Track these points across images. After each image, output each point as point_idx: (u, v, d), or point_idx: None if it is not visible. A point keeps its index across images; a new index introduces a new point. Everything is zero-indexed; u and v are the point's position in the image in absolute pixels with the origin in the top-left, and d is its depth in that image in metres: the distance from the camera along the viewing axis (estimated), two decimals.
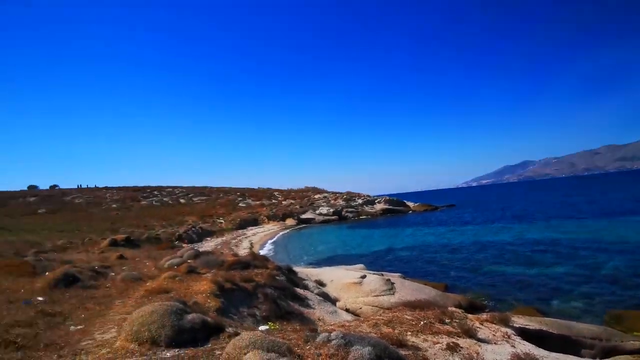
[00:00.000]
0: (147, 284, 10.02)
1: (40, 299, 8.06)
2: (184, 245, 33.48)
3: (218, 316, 6.76)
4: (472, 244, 30.95)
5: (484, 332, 6.30)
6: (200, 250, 24.29)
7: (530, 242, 28.65)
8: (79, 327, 5.90)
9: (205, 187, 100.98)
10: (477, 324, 6.88)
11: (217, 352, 4.41)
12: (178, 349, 4.65)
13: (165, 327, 4.79)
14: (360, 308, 14.11)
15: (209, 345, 4.92)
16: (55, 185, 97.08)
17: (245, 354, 3.74)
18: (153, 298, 8.23)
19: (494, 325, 7.12)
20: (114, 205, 75.41)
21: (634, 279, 16.91)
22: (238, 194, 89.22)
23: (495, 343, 5.84)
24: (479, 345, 5.48)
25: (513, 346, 5.81)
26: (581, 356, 9.19)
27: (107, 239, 27.64)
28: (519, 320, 8.68)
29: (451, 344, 5.17)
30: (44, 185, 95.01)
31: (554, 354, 5.79)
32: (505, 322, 7.35)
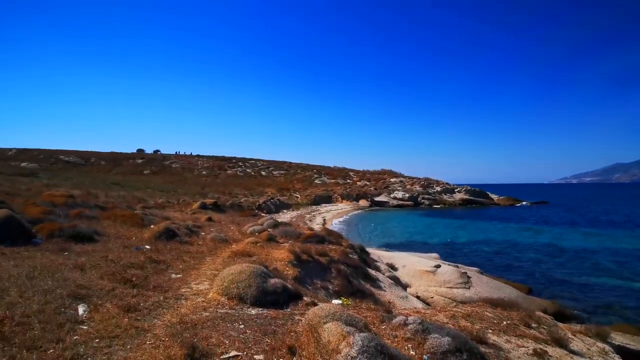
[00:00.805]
0: (233, 246, 10.96)
1: (147, 247, 9.32)
2: (262, 214, 35.71)
3: (296, 284, 7.14)
4: (562, 247, 27.85)
5: (576, 344, 5.70)
6: (279, 220, 25.69)
7: (635, 254, 24.80)
8: (178, 275, 6.71)
9: (284, 162, 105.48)
10: (569, 334, 6.25)
11: (297, 317, 4.68)
12: (261, 309, 5.04)
13: (251, 287, 5.20)
14: (432, 297, 13.76)
15: (289, 309, 5.24)
16: (157, 150, 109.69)
17: (325, 323, 3.90)
18: (238, 259, 8.99)
19: (588, 338, 6.40)
20: (204, 172, 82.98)
21: None
22: (314, 170, 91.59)
23: (589, 358, 5.26)
24: (571, 357, 4.98)
25: None
26: None
27: (197, 202, 30.66)
28: (619, 338, 7.69)
29: (538, 350, 4.78)
30: (149, 149, 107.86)
31: None
32: (603, 337, 6.56)
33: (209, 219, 19.37)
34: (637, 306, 15.03)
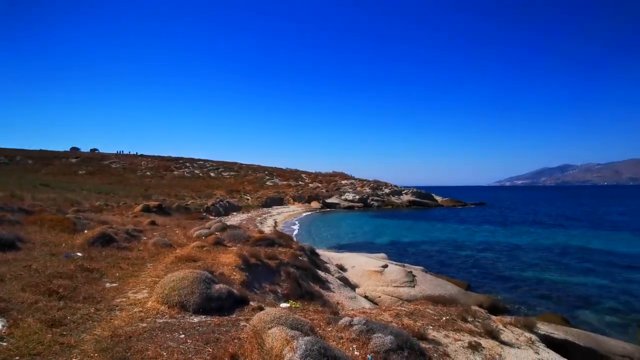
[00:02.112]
0: (177, 251, 10.45)
1: (79, 254, 8.59)
2: (211, 217, 34.56)
3: (243, 289, 6.96)
4: (498, 245, 30.09)
5: (507, 335, 6.16)
6: (227, 223, 25.02)
7: (562, 250, 27.52)
8: (113, 284, 6.25)
9: (235, 163, 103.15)
10: (500, 325, 6.73)
11: (242, 323, 4.56)
12: (205, 316, 4.84)
13: (194, 293, 4.98)
14: (380, 297, 14.15)
15: (234, 315, 5.09)
16: (95, 149, 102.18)
17: (269, 328, 3.83)
18: (182, 265, 8.59)
19: (517, 329, 6.94)
20: (148, 173, 78.64)
21: None
22: (266, 172, 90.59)
23: (518, 347, 5.70)
24: (502, 347, 5.36)
25: (537, 353, 5.65)
26: None
27: (140, 204, 28.95)
28: (544, 328, 8.43)
29: (473, 342, 5.09)
30: (85, 147, 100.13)
31: None
32: (530, 328, 7.15)
33: (152, 223, 18.36)
34: (560, 297, 16.60)
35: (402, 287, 14.66)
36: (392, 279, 14.99)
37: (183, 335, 4.01)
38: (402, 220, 49.09)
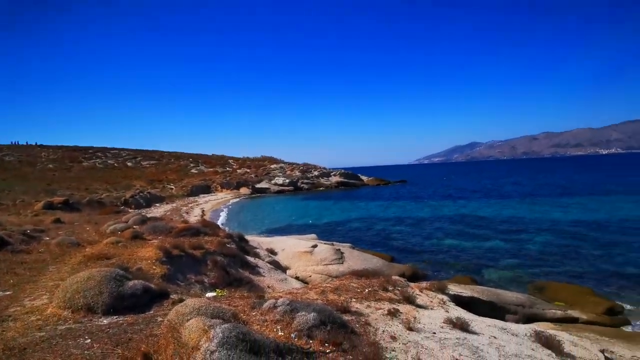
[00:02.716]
0: (87, 249, 9.48)
1: None
2: (130, 210, 31.95)
3: (163, 283, 6.58)
4: (419, 218, 32.59)
5: (422, 298, 6.74)
6: (148, 216, 23.39)
7: (471, 219, 30.73)
8: (6, 292, 5.47)
9: (155, 151, 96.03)
10: (417, 291, 7.33)
11: (159, 319, 4.31)
12: (117, 316, 4.48)
13: (102, 293, 4.57)
14: (310, 276, 14.49)
15: (152, 311, 4.80)
16: None
17: (188, 320, 3.68)
18: (92, 264, 7.81)
19: (432, 292, 7.63)
20: (51, 166, 69.66)
21: (556, 254, 18.81)
22: (190, 159, 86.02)
23: (431, 308, 6.27)
24: (417, 311, 5.85)
25: (447, 311, 6.28)
26: (505, 320, 10.24)
27: (42, 201, 25.64)
28: (454, 288, 9.38)
29: (392, 309, 5.48)
30: None
31: (481, 318, 6.36)
32: (442, 290, 7.90)
33: (57, 221, 16.42)
34: (469, 260, 18.59)
35: (331, 264, 15.18)
36: (321, 257, 15.42)
37: (89, 340, 3.66)
38: (331, 201, 50.52)
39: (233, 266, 10.90)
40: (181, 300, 5.24)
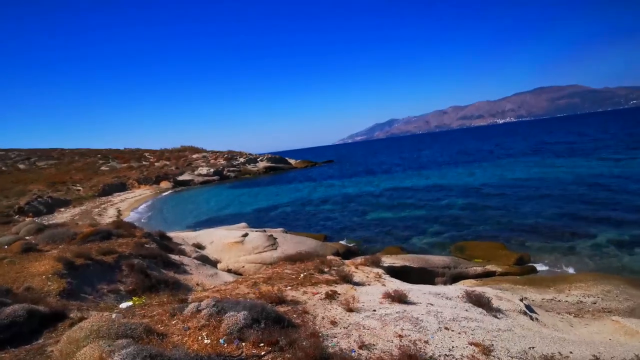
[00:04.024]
0: None
1: None
2: (27, 219, 27.62)
3: (61, 300, 5.51)
4: (348, 195, 33.38)
5: (359, 275, 6.63)
6: (50, 222, 20.37)
7: (396, 191, 32.35)
8: None
9: (54, 149, 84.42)
10: (353, 268, 7.22)
11: (49, 349, 3.46)
12: None
13: None
14: (243, 267, 13.84)
15: (41, 340, 3.87)
16: None
17: (84, 346, 2.94)
18: None
19: (367, 267, 7.60)
20: None
21: (471, 216, 20.58)
22: (99, 156, 77.37)
23: (368, 284, 6.18)
24: (355, 289, 5.69)
25: (384, 285, 6.24)
26: (435, 283, 10.83)
27: None
28: (387, 260, 9.57)
29: (329, 292, 5.22)
30: None
31: (417, 286, 6.47)
32: (377, 264, 7.93)
33: None
34: (398, 231, 19.45)
35: (265, 251, 14.67)
36: (253, 246, 14.82)
37: None
38: (260, 187, 49.48)
39: (155, 268, 9.84)
40: (82, 319, 4.35)
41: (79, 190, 50.12)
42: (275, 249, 14.97)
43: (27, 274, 7.10)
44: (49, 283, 6.38)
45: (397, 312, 4.61)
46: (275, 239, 15.62)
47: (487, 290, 6.57)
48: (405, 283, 6.72)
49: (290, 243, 15.70)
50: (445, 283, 10.88)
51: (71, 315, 4.64)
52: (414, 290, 5.73)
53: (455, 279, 11.50)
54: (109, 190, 50.70)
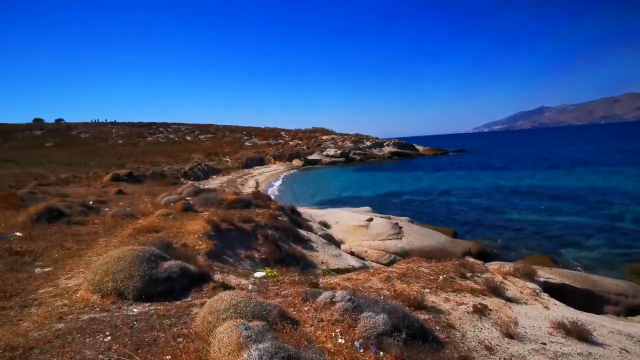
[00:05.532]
0: (139, 221, 9.34)
1: (18, 234, 7.37)
2: (188, 182, 33.09)
3: (208, 260, 5.99)
4: (481, 190, 30.04)
5: (511, 289, 5.47)
6: (205, 187, 23.78)
7: (543, 190, 27.63)
8: (46, 269, 5.14)
9: (211, 125, 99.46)
10: (500, 278, 6.05)
11: (194, 310, 3.59)
12: (149, 304, 3.84)
13: (133, 277, 3.94)
14: (366, 252, 13.57)
15: (188, 298, 4.12)
16: (60, 119, 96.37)
17: (222, 319, 2.86)
18: (141, 237, 7.52)
19: (518, 279, 6.29)
20: (120, 141, 75.05)
21: None
22: (244, 132, 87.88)
23: (525, 303, 5.01)
24: (509, 307, 4.64)
25: (547, 307, 4.97)
26: (602, 312, 8.59)
27: (110, 173, 27.18)
28: (541, 273, 7.90)
29: (478, 305, 4.32)
30: (49, 118, 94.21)
31: (597, 318, 4.98)
32: (531, 277, 6.53)
33: (120, 192, 16.98)
34: (545, 238, 16.46)
35: (389, 239, 14.10)
36: (378, 232, 14.38)
37: (109, 338, 3.01)
38: (385, 172, 48.75)
39: (285, 240, 10.26)
40: (223, 285, 4.53)
41: (227, 161, 57.81)
42: (400, 238, 14.25)
43: (185, 230, 8.09)
44: (199, 242, 7.09)
45: (578, 354, 3.47)
46: (400, 227, 14.88)
47: None
48: (576, 310, 5.28)
49: (416, 234, 14.74)
50: (618, 314, 8.52)
51: (215, 277, 4.91)
52: (593, 324, 4.37)
53: (632, 311, 8.93)
54: (250, 164, 57.14)
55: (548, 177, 34.07)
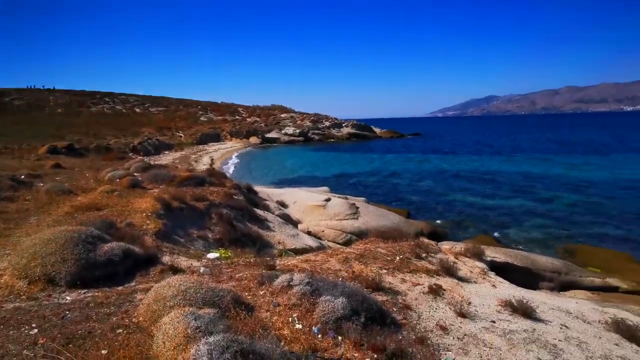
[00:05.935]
0: (78, 198, 8.55)
1: None
2: (138, 157, 31.16)
3: (156, 241, 5.60)
4: (433, 172, 31.26)
5: (462, 269, 5.66)
6: (155, 163, 22.47)
7: (489, 174, 29.27)
8: None
9: (163, 98, 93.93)
10: (452, 258, 6.26)
11: (138, 297, 3.28)
12: (84, 290, 3.46)
13: (66, 261, 3.52)
14: (323, 231, 13.62)
15: (132, 283, 3.78)
16: None
17: (170, 307, 2.60)
18: (79, 215, 6.88)
19: (468, 259, 6.56)
20: (59, 110, 68.72)
21: (585, 214, 17.54)
22: (199, 107, 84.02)
23: (475, 282, 5.23)
24: (461, 286, 4.80)
25: (494, 285, 5.22)
26: (539, 288, 9.31)
27: (47, 145, 24.82)
28: (489, 253, 8.33)
29: (433, 285, 4.42)
30: None
31: (537, 295, 5.30)
32: (479, 256, 6.84)
33: (57, 166, 15.53)
34: (491, 219, 17.46)
35: (346, 219, 14.24)
36: (335, 212, 14.46)
37: (35, 331, 2.65)
38: (343, 153, 49.13)
39: (240, 220, 9.95)
40: (172, 268, 4.22)
41: (181, 136, 55.19)
42: (357, 218, 14.44)
43: (131, 209, 7.53)
44: (147, 222, 6.62)
45: (524, 330, 3.64)
46: (357, 208, 15.06)
47: (629, 317, 5.14)
48: (519, 287, 5.59)
49: (372, 215, 15.01)
50: (552, 290, 9.28)
51: (164, 259, 4.57)
52: (535, 301, 4.63)
53: (564, 287, 9.77)
54: (205, 140, 54.96)
55: (490, 163, 36.12)
